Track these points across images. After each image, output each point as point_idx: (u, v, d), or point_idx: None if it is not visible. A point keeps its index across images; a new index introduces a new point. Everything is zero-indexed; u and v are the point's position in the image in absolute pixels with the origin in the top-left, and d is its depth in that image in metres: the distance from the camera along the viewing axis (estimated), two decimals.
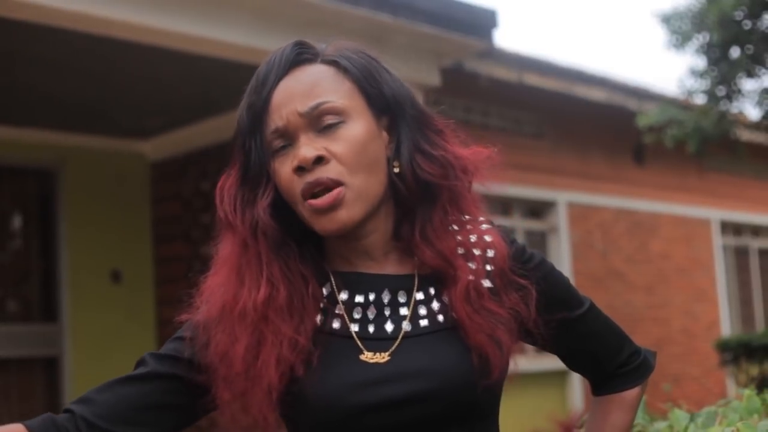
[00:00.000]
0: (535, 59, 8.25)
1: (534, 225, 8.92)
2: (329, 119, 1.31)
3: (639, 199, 9.94)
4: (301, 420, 1.32)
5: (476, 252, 1.37)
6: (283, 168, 1.32)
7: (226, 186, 1.37)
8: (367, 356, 1.31)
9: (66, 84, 6.26)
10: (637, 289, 9.70)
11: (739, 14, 7.35)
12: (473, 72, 7.44)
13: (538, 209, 8.98)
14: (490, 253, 1.37)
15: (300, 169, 1.30)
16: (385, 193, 1.35)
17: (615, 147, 9.67)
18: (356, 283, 1.36)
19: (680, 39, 7.62)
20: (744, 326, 11.41)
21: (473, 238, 1.38)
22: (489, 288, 1.35)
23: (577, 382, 8.60)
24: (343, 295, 1.36)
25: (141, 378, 1.38)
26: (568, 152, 9.13)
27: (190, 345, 1.37)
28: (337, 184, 1.29)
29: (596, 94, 8.81)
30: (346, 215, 1.30)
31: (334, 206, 1.29)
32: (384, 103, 1.36)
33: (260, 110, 1.34)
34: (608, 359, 1.50)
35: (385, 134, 1.36)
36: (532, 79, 8.11)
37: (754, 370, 8.41)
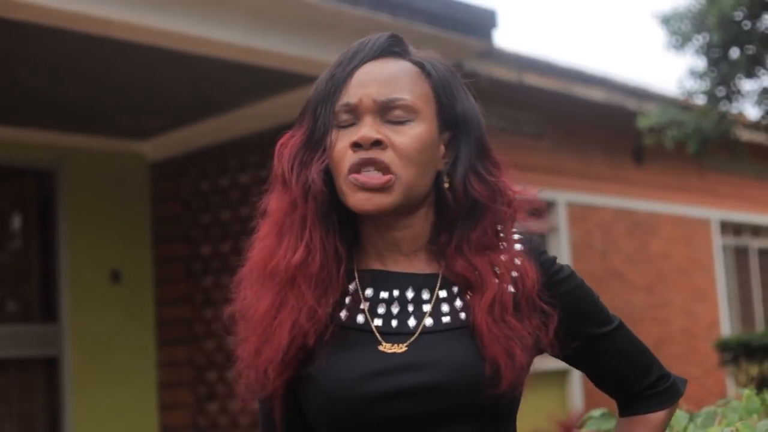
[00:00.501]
0: (535, 59, 8.24)
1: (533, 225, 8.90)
2: (399, 114, 1.36)
3: (638, 199, 9.94)
4: (314, 407, 1.34)
5: (507, 273, 1.39)
6: (341, 141, 1.36)
7: (289, 144, 1.41)
8: (385, 347, 1.34)
9: (65, 84, 6.26)
10: (636, 289, 9.70)
11: (738, 15, 7.35)
12: (472, 72, 7.41)
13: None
14: (518, 274, 1.39)
15: (357, 146, 1.34)
16: (427, 198, 1.40)
17: (615, 147, 9.67)
18: (382, 280, 1.40)
19: (680, 40, 7.62)
20: (744, 326, 11.41)
21: (504, 258, 1.40)
22: (514, 305, 1.37)
23: (577, 383, 8.59)
24: (369, 292, 1.39)
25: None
26: (568, 152, 9.13)
27: None
28: (389, 170, 1.33)
29: (596, 95, 8.81)
30: (386, 201, 1.34)
31: (379, 189, 1.33)
32: (453, 117, 1.41)
33: (339, 83, 1.38)
34: (635, 380, 1.50)
35: (442, 148, 1.41)
36: (532, 79, 8.10)
37: (754, 370, 8.42)
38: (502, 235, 1.42)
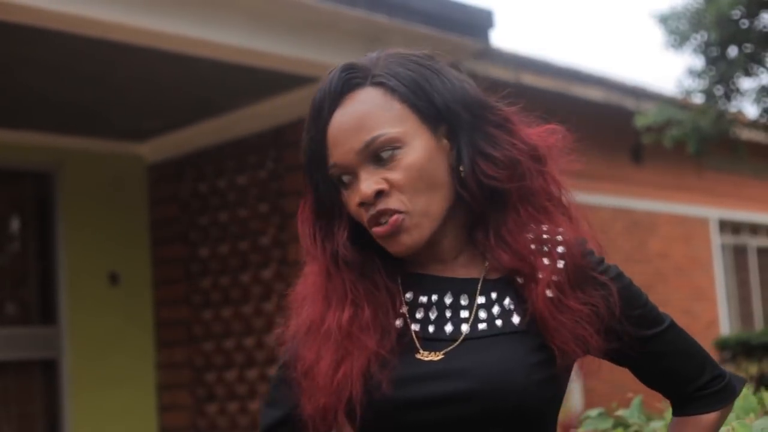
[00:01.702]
0: (532, 59, 8.24)
1: None
2: (385, 150, 1.32)
3: (637, 198, 9.94)
4: (350, 412, 1.34)
5: (547, 248, 1.37)
6: (350, 201, 1.36)
7: (303, 218, 1.42)
8: (423, 354, 1.33)
9: (63, 86, 6.26)
10: None
11: (736, 13, 7.35)
12: (470, 72, 7.38)
13: None
14: (561, 249, 1.37)
15: (362, 204, 1.33)
16: (453, 202, 1.37)
17: (613, 146, 9.67)
18: (422, 284, 1.39)
19: (678, 39, 7.61)
20: (743, 325, 11.41)
21: (545, 236, 1.38)
22: (564, 284, 1.35)
23: (576, 383, 8.59)
24: (408, 295, 1.39)
25: None
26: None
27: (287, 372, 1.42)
28: (397, 212, 1.32)
29: (594, 94, 8.81)
30: (409, 240, 1.33)
31: (394, 233, 1.33)
32: (436, 113, 1.36)
33: (319, 144, 1.36)
34: (686, 380, 1.46)
35: (445, 142, 1.37)
36: (529, 79, 8.10)
37: (753, 369, 8.41)
38: (538, 205, 1.38)
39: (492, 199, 1.36)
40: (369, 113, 1.34)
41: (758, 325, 11.39)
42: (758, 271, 11.90)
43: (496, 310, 1.36)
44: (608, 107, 9.02)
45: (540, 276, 1.33)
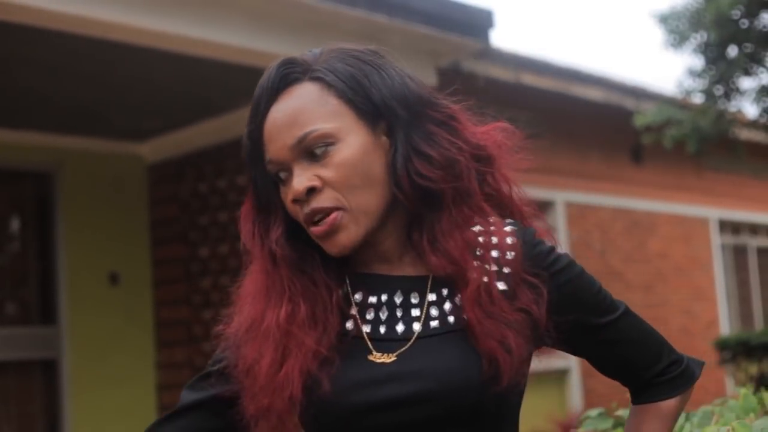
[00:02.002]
0: (532, 59, 8.24)
1: None
2: (318, 146, 1.30)
3: (637, 198, 9.94)
4: (305, 416, 1.32)
5: (493, 253, 1.34)
6: (286, 198, 1.34)
7: (243, 215, 1.42)
8: (375, 356, 1.31)
9: (63, 86, 6.26)
10: (635, 288, 9.70)
11: (736, 13, 7.35)
12: (470, 72, 7.44)
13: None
14: (509, 256, 1.34)
15: (296, 201, 1.32)
16: (393, 200, 1.34)
17: (613, 146, 9.67)
18: (371, 284, 1.37)
19: (678, 38, 7.62)
20: (743, 325, 11.41)
21: (494, 239, 1.35)
22: (503, 291, 1.32)
23: (576, 382, 8.60)
24: (358, 296, 1.37)
25: (177, 414, 1.45)
26: (566, 152, 9.13)
27: (224, 362, 1.42)
28: (333, 209, 1.30)
29: (594, 94, 8.81)
30: (345, 238, 1.31)
31: (331, 232, 1.31)
32: (374, 109, 1.33)
33: (257, 140, 1.35)
34: (644, 367, 1.45)
35: (384, 139, 1.34)
36: (529, 79, 8.10)
37: (753, 369, 8.41)
38: (474, 206, 1.36)
39: (427, 199, 1.33)
40: (303, 108, 1.32)
41: (758, 325, 11.40)
42: (758, 271, 11.90)
43: (447, 306, 1.33)
44: (608, 107, 9.03)
45: (470, 279, 1.31)
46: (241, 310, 1.40)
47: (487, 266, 1.32)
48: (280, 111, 1.33)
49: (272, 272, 1.36)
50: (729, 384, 10.01)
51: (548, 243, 1.39)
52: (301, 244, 1.36)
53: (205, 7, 5.18)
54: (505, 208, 1.41)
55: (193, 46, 5.31)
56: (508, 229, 1.37)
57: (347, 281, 1.38)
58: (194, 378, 1.46)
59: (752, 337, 8.61)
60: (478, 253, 1.33)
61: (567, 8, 51.22)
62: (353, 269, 1.39)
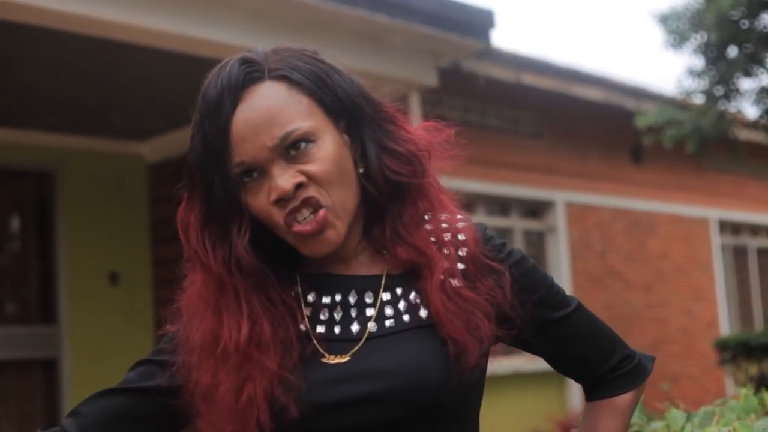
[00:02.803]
0: (533, 59, 8.25)
1: (532, 225, 8.92)
2: (298, 145, 1.28)
3: (637, 198, 9.95)
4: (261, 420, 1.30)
5: (447, 237, 1.35)
6: (258, 200, 1.29)
7: (191, 222, 1.33)
8: (329, 358, 1.29)
9: (64, 86, 6.26)
10: (635, 288, 9.70)
11: (737, 14, 7.35)
12: (471, 72, 7.44)
13: (536, 209, 8.98)
14: (461, 237, 1.35)
15: (279, 201, 1.27)
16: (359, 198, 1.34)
17: (613, 146, 9.68)
18: (324, 284, 1.35)
19: (678, 39, 7.62)
20: (743, 325, 11.42)
21: (444, 225, 1.36)
22: (462, 272, 1.33)
23: (576, 382, 8.60)
24: (310, 297, 1.35)
25: (120, 391, 1.40)
26: (566, 152, 9.14)
27: (167, 369, 1.37)
28: (319, 206, 1.28)
29: (594, 94, 8.82)
30: (334, 236, 1.29)
31: (320, 230, 1.28)
32: (340, 107, 1.32)
33: (219, 141, 1.28)
34: (597, 363, 1.45)
35: (346, 137, 1.33)
36: (530, 79, 8.11)
37: (753, 369, 8.42)
38: (433, 200, 1.37)
39: (393, 194, 1.34)
40: (279, 108, 1.28)
41: (758, 325, 11.40)
42: (758, 272, 11.91)
43: (402, 305, 1.33)
44: (608, 107, 9.03)
45: (435, 267, 1.31)
46: (185, 328, 1.35)
47: (446, 250, 1.33)
48: (253, 111, 1.28)
49: (227, 284, 1.30)
50: (729, 384, 10.02)
51: (500, 239, 1.41)
52: (260, 257, 1.31)
53: (207, 7, 5.19)
54: (434, 201, 1.41)
55: (194, 45, 5.31)
56: (460, 224, 1.38)
57: (298, 282, 1.36)
58: (139, 360, 1.42)
59: (752, 338, 8.62)
60: (446, 238, 1.35)
61: (567, 8, 51.21)
62: (304, 269, 1.36)
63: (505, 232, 8.47)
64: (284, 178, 1.26)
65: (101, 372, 7.24)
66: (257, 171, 1.29)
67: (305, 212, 1.28)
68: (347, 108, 1.33)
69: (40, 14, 4.69)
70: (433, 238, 1.34)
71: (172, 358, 1.36)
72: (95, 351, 7.25)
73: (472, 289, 1.32)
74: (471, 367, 1.28)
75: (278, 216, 1.28)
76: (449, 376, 1.27)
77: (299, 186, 1.27)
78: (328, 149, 1.29)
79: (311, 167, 1.28)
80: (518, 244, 8.63)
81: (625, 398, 1.47)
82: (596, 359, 1.45)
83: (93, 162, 7.47)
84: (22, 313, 7.36)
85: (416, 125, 1.40)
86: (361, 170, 1.33)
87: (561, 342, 1.43)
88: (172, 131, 7.47)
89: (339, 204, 1.29)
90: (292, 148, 1.28)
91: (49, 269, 7.30)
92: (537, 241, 8.92)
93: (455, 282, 1.32)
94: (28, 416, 7.11)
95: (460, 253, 1.35)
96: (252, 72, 1.31)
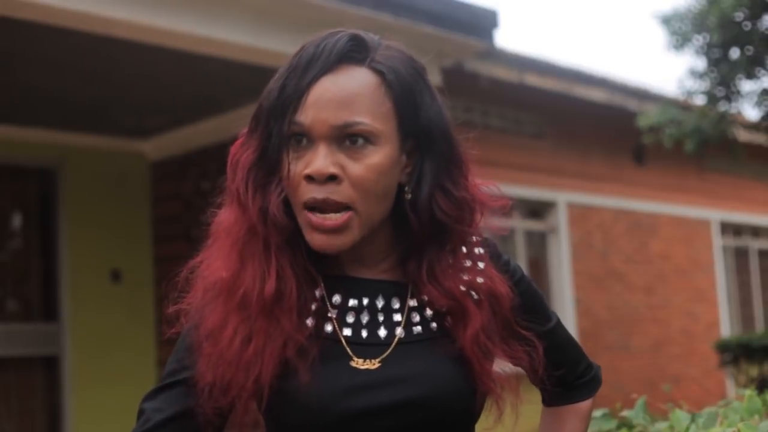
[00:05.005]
0: (536, 60, 8.25)
1: (534, 225, 8.92)
2: (356, 139, 1.25)
3: (639, 199, 9.94)
4: (288, 422, 1.28)
5: (486, 298, 1.34)
6: (295, 167, 1.27)
7: (242, 159, 1.32)
8: (358, 362, 1.28)
9: (67, 83, 6.26)
10: (636, 289, 9.70)
11: (739, 15, 7.36)
12: (474, 72, 7.44)
13: (538, 210, 8.98)
14: (493, 297, 1.35)
15: (310, 178, 1.25)
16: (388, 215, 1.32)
17: (615, 147, 9.68)
18: (349, 286, 1.33)
19: (680, 40, 7.62)
20: (743, 327, 11.41)
21: (480, 279, 1.35)
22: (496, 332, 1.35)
23: None
24: (336, 298, 1.33)
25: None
26: (569, 153, 9.14)
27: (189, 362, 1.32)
28: (346, 208, 1.26)
29: (596, 95, 8.82)
30: (349, 239, 1.27)
31: (337, 230, 1.26)
32: (416, 128, 1.30)
33: (293, 97, 1.26)
34: (569, 371, 1.51)
35: (404, 158, 1.31)
36: (533, 80, 8.11)
37: (754, 371, 8.42)
38: (467, 249, 1.37)
39: (434, 233, 1.32)
40: (360, 95, 1.26)
41: (759, 327, 11.40)
42: (759, 274, 11.90)
43: (428, 313, 1.33)
44: (611, 108, 9.03)
45: (470, 320, 1.31)
46: (210, 261, 1.33)
47: (485, 313, 1.33)
48: (337, 85, 1.25)
49: (257, 233, 1.28)
50: (729, 386, 10.02)
51: (505, 255, 1.44)
52: (294, 220, 1.29)
53: (211, 5, 5.19)
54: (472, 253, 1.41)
55: (197, 44, 5.32)
56: (480, 251, 1.39)
57: (321, 283, 1.33)
58: (156, 388, 1.35)
59: (753, 340, 8.62)
60: (475, 295, 1.33)
61: (570, 9, 51.20)
62: (326, 269, 1.34)
63: (507, 233, 8.47)
64: (325, 162, 1.24)
65: (103, 369, 7.25)
66: (308, 138, 1.26)
67: (327, 207, 1.25)
68: (422, 133, 1.30)
69: (44, 11, 4.69)
70: (466, 290, 1.33)
71: (190, 365, 1.31)
72: (97, 348, 7.25)
73: (502, 350, 1.35)
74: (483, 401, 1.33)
75: (303, 192, 1.26)
76: (478, 384, 1.31)
77: (333, 178, 1.24)
78: (380, 158, 1.26)
79: (355, 168, 1.25)
80: (520, 244, 8.63)
81: (587, 404, 1.54)
82: (570, 368, 1.51)
83: (95, 159, 7.48)
84: (23, 310, 7.36)
85: (476, 181, 1.38)
86: (408, 196, 1.30)
87: (545, 352, 1.45)
88: (174, 129, 7.47)
89: (366, 214, 1.27)
90: (349, 138, 1.25)
91: (51, 266, 7.31)
92: (539, 241, 8.92)
93: (491, 340, 1.33)
94: (29, 413, 7.11)
95: (492, 313, 1.35)
96: (356, 51, 1.29)
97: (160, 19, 5.01)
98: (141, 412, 1.34)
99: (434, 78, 6.39)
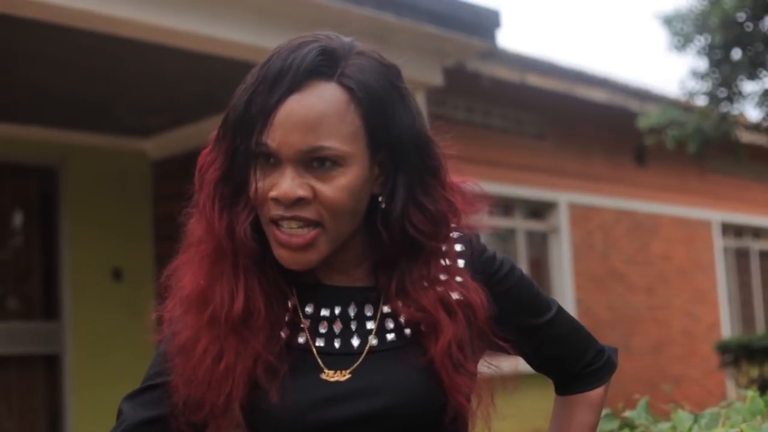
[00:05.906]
0: (538, 60, 8.25)
1: (535, 226, 8.92)
2: (325, 162, 1.23)
3: (640, 200, 9.94)
4: (252, 429, 1.29)
5: (459, 309, 1.31)
6: (262, 185, 1.25)
7: (208, 174, 1.29)
8: (328, 374, 1.27)
9: (69, 81, 6.26)
10: (637, 290, 9.70)
11: (741, 16, 7.36)
12: (475, 72, 7.44)
13: (539, 210, 8.99)
14: (468, 306, 1.32)
15: (277, 200, 1.24)
16: (359, 226, 1.30)
17: (616, 148, 9.68)
18: (322, 295, 1.32)
19: (682, 40, 7.63)
20: (744, 328, 11.41)
21: (455, 293, 1.31)
22: (468, 343, 1.32)
23: None
24: (309, 309, 1.32)
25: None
26: (570, 153, 9.14)
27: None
28: (315, 224, 1.24)
29: (598, 95, 8.82)
30: (314, 257, 1.26)
31: (304, 247, 1.24)
32: (387, 142, 1.27)
33: (259, 116, 1.23)
34: (575, 360, 1.49)
35: (376, 169, 1.29)
36: (534, 80, 8.11)
37: (755, 372, 8.42)
38: (445, 261, 1.33)
39: (407, 248, 1.29)
40: (327, 116, 1.22)
41: (759, 328, 11.40)
42: (760, 275, 11.90)
43: (403, 318, 1.30)
44: (612, 108, 9.03)
45: (442, 332, 1.28)
46: (181, 275, 1.33)
47: (458, 324, 1.30)
48: (304, 105, 1.23)
49: (224, 251, 1.27)
50: (730, 387, 10.02)
51: (491, 249, 1.41)
52: (262, 239, 1.27)
53: (213, 4, 5.19)
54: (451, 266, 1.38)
55: (200, 42, 5.32)
56: (458, 248, 1.37)
57: (294, 292, 1.32)
58: (136, 389, 1.35)
59: (753, 340, 8.63)
60: (450, 309, 1.30)
61: (573, 9, 51.20)
62: (300, 278, 1.32)
63: (508, 233, 8.48)
64: (292, 185, 1.22)
65: (104, 368, 7.25)
66: (275, 159, 1.24)
67: (293, 224, 1.24)
68: (393, 146, 1.27)
69: (46, 10, 4.69)
70: (443, 303, 1.30)
71: (167, 371, 1.31)
72: (98, 347, 7.25)
73: (474, 360, 1.32)
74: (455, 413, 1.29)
75: (270, 208, 1.24)
76: (456, 392, 1.29)
77: (301, 200, 1.23)
78: (349, 179, 1.24)
79: (326, 190, 1.23)
80: (521, 244, 8.63)
81: (599, 392, 1.50)
82: (574, 357, 1.49)
83: (97, 158, 7.47)
84: (24, 308, 7.36)
85: (455, 181, 1.34)
86: (383, 206, 1.28)
87: (544, 344, 1.45)
88: (176, 128, 7.47)
89: (335, 230, 1.25)
90: (317, 161, 1.23)
91: (52, 265, 7.31)
92: (540, 242, 8.93)
93: (462, 351, 1.29)
94: (30, 412, 7.11)
95: (466, 323, 1.31)
96: (325, 66, 1.25)
97: (162, 18, 5.01)
98: (119, 412, 1.34)
99: (436, 78, 6.40)
